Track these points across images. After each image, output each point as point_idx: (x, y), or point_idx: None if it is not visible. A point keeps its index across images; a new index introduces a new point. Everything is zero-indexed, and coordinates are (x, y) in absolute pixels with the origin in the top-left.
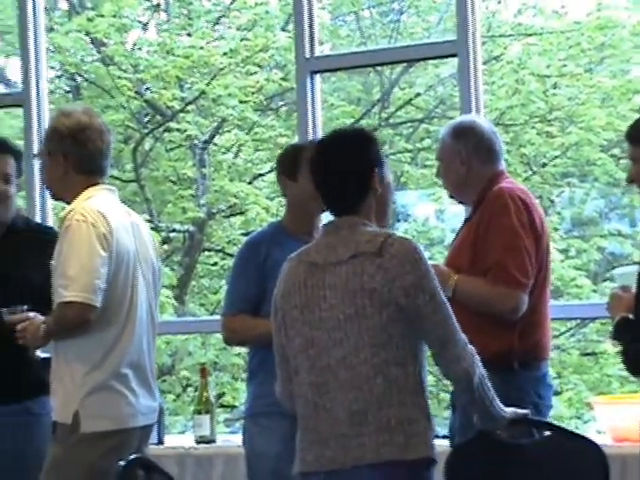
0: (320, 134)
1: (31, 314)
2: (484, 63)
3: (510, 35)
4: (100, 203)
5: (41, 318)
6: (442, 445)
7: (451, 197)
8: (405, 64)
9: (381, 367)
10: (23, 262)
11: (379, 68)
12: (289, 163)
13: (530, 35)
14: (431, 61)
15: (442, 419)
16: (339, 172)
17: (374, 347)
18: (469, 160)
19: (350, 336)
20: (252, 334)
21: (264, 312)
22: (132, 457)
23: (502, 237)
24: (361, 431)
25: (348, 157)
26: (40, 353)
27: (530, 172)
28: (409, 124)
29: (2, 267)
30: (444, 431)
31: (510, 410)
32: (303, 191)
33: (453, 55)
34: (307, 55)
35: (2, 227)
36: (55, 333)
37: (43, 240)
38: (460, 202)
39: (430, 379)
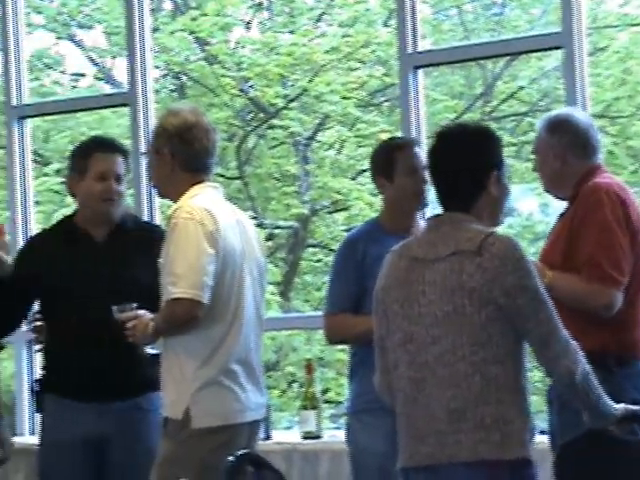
0: (423, 129)
1: (140, 312)
2: (589, 55)
3: (616, 26)
4: (206, 201)
5: (149, 315)
6: (544, 442)
7: (547, 191)
8: (508, 57)
9: (479, 365)
10: (132, 260)
11: (482, 62)
12: (384, 164)
13: (636, 25)
14: (535, 54)
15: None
16: (454, 168)
17: (473, 345)
18: (564, 154)
19: (448, 334)
20: (352, 333)
21: (365, 310)
22: (241, 453)
23: (596, 233)
24: (458, 428)
25: (466, 154)
26: (149, 350)
27: (637, 165)
28: (512, 118)
29: (111, 265)
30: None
31: (620, 407)
32: (400, 190)
33: (558, 47)
34: (409, 50)
35: (111, 226)
36: (164, 330)
37: (151, 238)
38: (556, 197)
39: (537, 375)
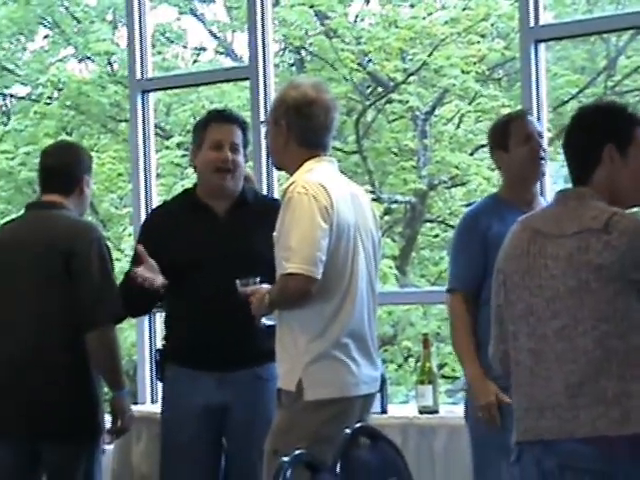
0: (544, 104)
1: (264, 286)
2: None
3: None
4: (321, 175)
5: (266, 287)
6: None
7: None
8: (632, 31)
9: (601, 339)
10: (253, 234)
11: (605, 36)
12: (499, 137)
13: None
14: None
15: None
16: (572, 142)
17: (596, 320)
18: None
19: (570, 308)
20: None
21: (488, 286)
22: (358, 425)
23: None
24: (577, 403)
25: (582, 128)
26: (265, 321)
27: None
28: (636, 92)
29: (232, 239)
30: None
31: None
32: (516, 159)
33: None
34: (531, 24)
35: (232, 198)
36: (278, 304)
37: (271, 212)
38: None
39: None
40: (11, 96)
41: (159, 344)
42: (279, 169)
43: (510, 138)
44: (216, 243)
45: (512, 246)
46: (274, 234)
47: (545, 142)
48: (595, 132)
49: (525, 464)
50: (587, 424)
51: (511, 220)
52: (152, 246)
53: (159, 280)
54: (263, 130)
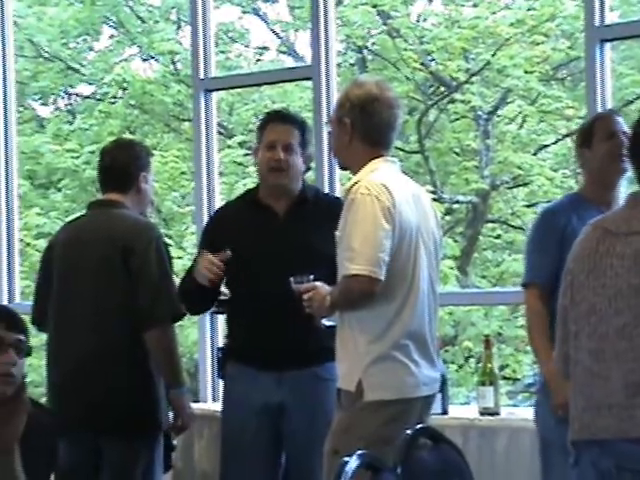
0: (609, 104)
1: (317, 283)
2: None
3: None
4: (384, 176)
5: (327, 288)
6: None
7: None
8: None
9: None
10: (313, 233)
11: None
12: (585, 134)
13: None
14: None
15: None
16: (636, 143)
17: None
18: None
19: (632, 306)
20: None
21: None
22: (418, 426)
23: None
24: (634, 403)
25: None
26: (325, 322)
27: None
28: None
29: (292, 238)
30: None
31: None
32: (597, 156)
33: None
34: (597, 23)
35: (291, 197)
36: (339, 305)
37: (332, 211)
38: None
39: None
40: (76, 95)
41: (220, 342)
42: (343, 169)
43: (594, 135)
44: (276, 242)
45: (582, 246)
46: (337, 234)
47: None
48: None
49: (583, 466)
50: None
51: (589, 219)
52: (214, 246)
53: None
54: (327, 129)
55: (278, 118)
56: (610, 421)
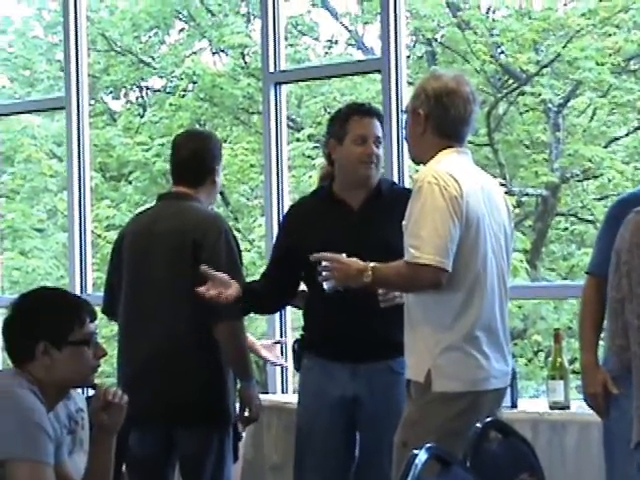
0: None
1: (343, 256)
2: None
3: None
4: (452, 166)
5: (360, 262)
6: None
7: None
8: None
9: None
10: (386, 225)
11: None
12: None
13: None
14: None
15: None
16: None
17: None
18: None
19: None
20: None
21: None
22: (488, 419)
23: None
24: None
25: None
26: (327, 285)
27: None
28: None
29: (366, 232)
30: None
31: None
32: None
33: None
34: None
35: (368, 191)
36: (396, 286)
37: (404, 202)
38: None
39: None
40: (147, 88)
41: (291, 335)
42: (415, 162)
43: None
44: (350, 236)
45: (636, 236)
46: (403, 222)
47: None
48: None
49: None
50: None
51: None
52: (291, 242)
53: (231, 291)
54: (403, 120)
55: (363, 111)
56: None
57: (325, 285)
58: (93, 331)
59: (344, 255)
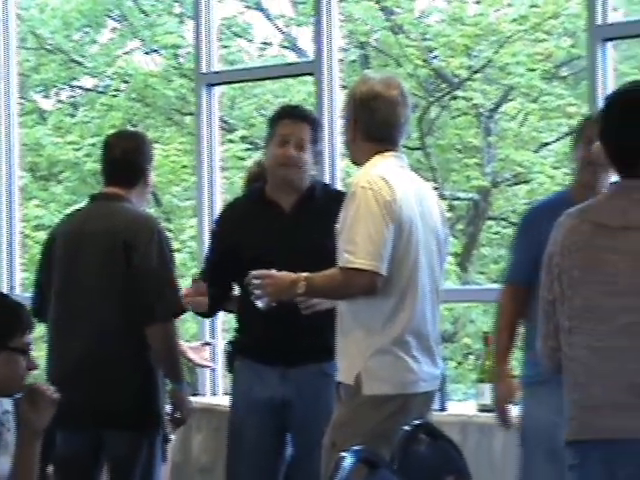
0: None
1: (273, 271)
2: None
3: None
4: (386, 170)
5: (291, 274)
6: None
7: None
8: None
9: None
10: (317, 228)
11: None
12: (577, 134)
13: None
14: None
15: None
16: (626, 130)
17: None
18: None
19: (636, 305)
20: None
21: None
22: (416, 422)
23: None
24: (638, 403)
25: (628, 116)
26: (260, 303)
27: None
28: None
29: (298, 233)
30: None
31: None
32: (576, 159)
33: None
34: (599, 22)
35: (298, 193)
36: (331, 294)
37: (337, 205)
38: None
39: None
40: (79, 88)
41: (221, 336)
42: (355, 164)
43: (581, 137)
44: (282, 238)
45: (569, 240)
46: (337, 226)
47: None
48: None
49: (590, 467)
50: None
51: None
52: (225, 246)
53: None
54: (338, 124)
55: (291, 114)
56: (615, 421)
57: (259, 303)
58: (31, 342)
59: (274, 270)
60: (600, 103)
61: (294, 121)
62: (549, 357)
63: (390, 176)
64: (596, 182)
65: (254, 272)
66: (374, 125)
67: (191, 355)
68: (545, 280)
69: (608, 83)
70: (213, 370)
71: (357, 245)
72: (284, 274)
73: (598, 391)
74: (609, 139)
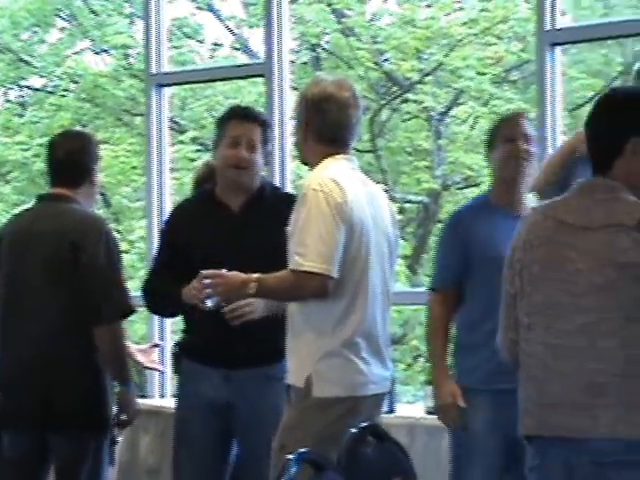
0: (559, 107)
1: (224, 271)
2: None
3: None
4: (337, 173)
5: (241, 275)
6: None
7: None
8: None
9: (627, 340)
10: (266, 229)
11: (622, 40)
12: (490, 136)
13: None
14: None
15: None
16: (595, 128)
17: (622, 320)
18: None
19: (595, 305)
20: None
21: (469, 285)
22: (363, 424)
23: None
24: (597, 403)
25: (608, 116)
26: (209, 303)
27: None
28: None
29: (246, 235)
30: None
31: None
32: (498, 158)
33: None
34: (548, 27)
35: (248, 194)
36: (282, 296)
37: (286, 207)
38: None
39: None
40: (27, 88)
41: (170, 338)
42: (306, 164)
43: (497, 137)
44: (230, 239)
45: (532, 235)
46: (288, 228)
47: (531, 145)
48: (621, 123)
49: (550, 463)
50: (606, 425)
51: (497, 221)
52: (175, 245)
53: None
54: (289, 125)
55: (241, 115)
56: (570, 419)
57: (209, 303)
58: None
59: (224, 270)
60: (548, 107)
61: (244, 122)
62: (509, 349)
63: (341, 178)
64: (519, 177)
65: (204, 272)
66: (326, 126)
67: (140, 357)
68: (507, 274)
69: (557, 87)
70: (162, 372)
71: (308, 247)
72: (235, 274)
73: (556, 389)
74: (588, 136)
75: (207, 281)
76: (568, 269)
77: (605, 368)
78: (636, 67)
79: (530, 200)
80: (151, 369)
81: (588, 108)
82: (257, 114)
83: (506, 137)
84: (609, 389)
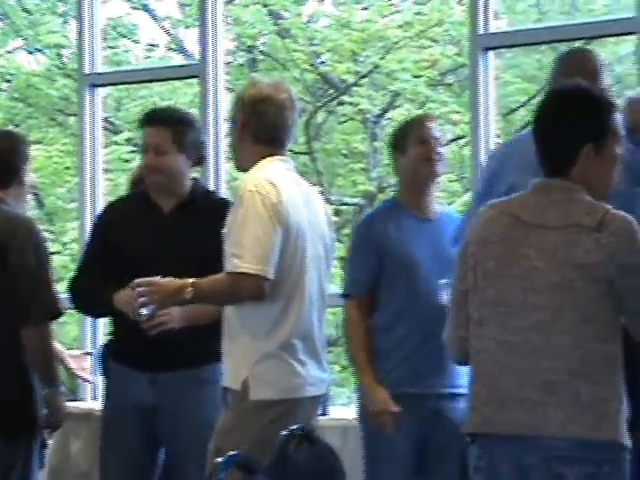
0: (492, 111)
1: (157, 278)
2: None
3: None
4: (273, 174)
5: (176, 281)
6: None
7: None
8: (583, 41)
9: (581, 340)
10: (196, 232)
11: (556, 45)
12: (399, 139)
13: None
14: (611, 39)
15: None
16: (549, 132)
17: (577, 320)
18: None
19: (551, 304)
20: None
21: (382, 288)
22: (294, 427)
23: None
24: (548, 401)
25: (563, 122)
26: (145, 311)
27: None
28: None
29: (175, 237)
30: None
31: None
32: (410, 160)
33: (632, 33)
34: (481, 31)
35: (178, 197)
36: (218, 299)
37: (220, 211)
38: None
39: None
40: None
41: (102, 340)
42: (240, 170)
43: (408, 140)
44: (163, 239)
45: (486, 231)
46: (224, 230)
47: (442, 147)
48: (575, 131)
49: (497, 462)
50: (556, 424)
51: (407, 224)
52: (106, 242)
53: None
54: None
55: (146, 120)
56: (520, 416)
57: (144, 311)
58: None
59: (158, 277)
60: (482, 111)
61: (150, 127)
62: (458, 347)
63: (277, 179)
64: (431, 179)
65: (137, 280)
66: (263, 128)
67: (71, 364)
68: (459, 271)
69: (490, 91)
70: (92, 383)
71: (244, 248)
72: (169, 280)
73: (511, 386)
74: (540, 138)
75: (141, 289)
76: (524, 266)
77: (559, 366)
78: (628, 96)
79: (439, 202)
80: (81, 378)
81: (522, 112)
82: (164, 116)
83: (418, 139)
84: (562, 387)
